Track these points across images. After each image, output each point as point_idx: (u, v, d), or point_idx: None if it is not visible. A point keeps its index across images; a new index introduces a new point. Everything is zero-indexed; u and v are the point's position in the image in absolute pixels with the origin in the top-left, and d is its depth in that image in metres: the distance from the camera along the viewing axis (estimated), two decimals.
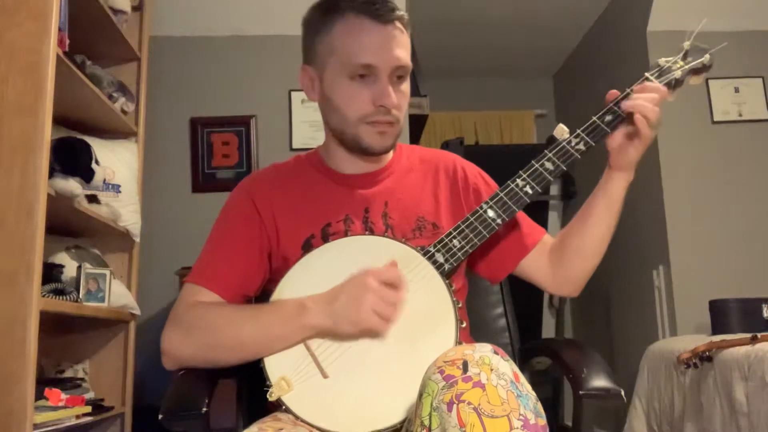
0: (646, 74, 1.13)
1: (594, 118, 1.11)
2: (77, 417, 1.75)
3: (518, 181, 1.11)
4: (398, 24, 1.10)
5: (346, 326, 0.98)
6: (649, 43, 3.07)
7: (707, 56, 1.15)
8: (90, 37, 2.06)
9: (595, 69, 3.85)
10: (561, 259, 1.20)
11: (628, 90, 1.10)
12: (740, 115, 3.08)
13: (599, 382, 1.02)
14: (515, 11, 3.65)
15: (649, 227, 3.14)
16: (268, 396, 0.99)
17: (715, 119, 3.07)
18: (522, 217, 1.23)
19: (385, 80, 1.08)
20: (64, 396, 1.73)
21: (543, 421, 0.79)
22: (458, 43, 4.04)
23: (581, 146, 1.10)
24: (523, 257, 1.22)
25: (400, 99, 1.11)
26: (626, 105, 1.08)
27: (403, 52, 1.09)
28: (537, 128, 4.60)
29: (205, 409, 0.96)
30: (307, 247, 1.11)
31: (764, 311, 2.44)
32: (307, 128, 2.96)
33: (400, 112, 1.12)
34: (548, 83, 4.68)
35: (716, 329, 2.45)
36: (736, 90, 3.09)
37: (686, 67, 1.14)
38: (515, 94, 4.61)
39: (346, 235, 1.12)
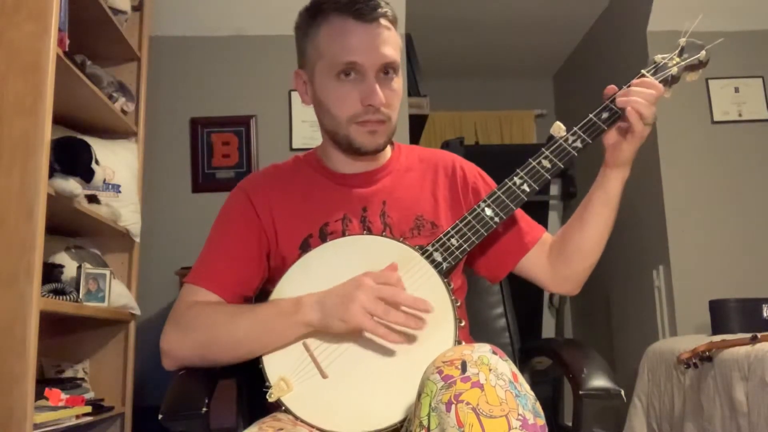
0: (643, 71, 1.13)
1: (590, 116, 1.11)
2: (77, 417, 1.75)
3: (516, 179, 1.11)
4: (383, 21, 1.09)
5: (336, 323, 0.97)
6: (649, 43, 3.07)
7: (703, 52, 1.15)
8: (90, 37, 2.06)
9: (595, 69, 3.85)
10: (560, 257, 1.20)
11: (625, 87, 1.10)
12: (740, 115, 3.08)
13: (599, 382, 1.02)
14: (515, 11, 3.65)
15: (649, 227, 3.13)
16: (267, 397, 0.99)
17: (715, 119, 3.07)
18: (521, 215, 1.23)
19: (372, 79, 1.07)
20: (64, 396, 1.74)
21: (542, 421, 0.79)
22: (458, 43, 4.04)
23: (578, 144, 1.11)
24: (522, 256, 1.22)
25: (390, 97, 1.09)
26: (620, 101, 1.08)
27: (389, 49, 1.08)
28: (537, 128, 4.60)
29: (205, 409, 0.96)
30: (305, 247, 1.12)
31: (764, 311, 2.43)
32: (307, 128, 2.96)
33: (390, 109, 1.11)
34: (548, 83, 4.68)
35: (716, 329, 2.44)
36: (736, 90, 3.08)
37: (682, 63, 1.15)
38: (515, 94, 4.60)
39: (343, 234, 1.12)
